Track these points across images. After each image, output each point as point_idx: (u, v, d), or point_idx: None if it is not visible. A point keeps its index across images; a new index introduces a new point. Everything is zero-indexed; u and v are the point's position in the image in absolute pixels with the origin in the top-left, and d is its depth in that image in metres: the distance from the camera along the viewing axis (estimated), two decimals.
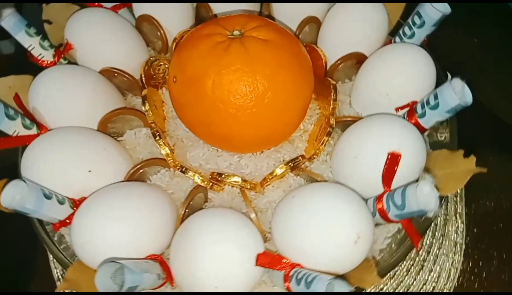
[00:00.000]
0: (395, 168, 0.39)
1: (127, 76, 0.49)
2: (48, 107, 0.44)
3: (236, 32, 0.42)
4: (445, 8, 0.46)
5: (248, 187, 0.43)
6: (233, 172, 0.45)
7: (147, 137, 0.48)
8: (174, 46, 0.52)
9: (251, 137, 0.42)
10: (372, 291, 0.50)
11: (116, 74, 0.49)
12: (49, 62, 0.48)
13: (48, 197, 0.37)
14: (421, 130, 0.43)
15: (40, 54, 0.48)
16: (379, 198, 0.39)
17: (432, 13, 0.46)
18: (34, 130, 0.44)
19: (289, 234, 0.38)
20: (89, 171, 0.41)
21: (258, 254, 0.36)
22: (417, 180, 0.38)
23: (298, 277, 0.35)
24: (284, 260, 0.37)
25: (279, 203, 0.40)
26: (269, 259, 0.36)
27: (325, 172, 0.45)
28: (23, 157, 0.41)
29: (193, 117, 0.43)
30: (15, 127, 0.42)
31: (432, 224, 0.56)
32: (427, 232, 0.55)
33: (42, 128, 0.44)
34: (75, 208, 0.40)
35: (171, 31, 0.53)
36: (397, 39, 0.50)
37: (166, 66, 0.52)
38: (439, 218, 0.56)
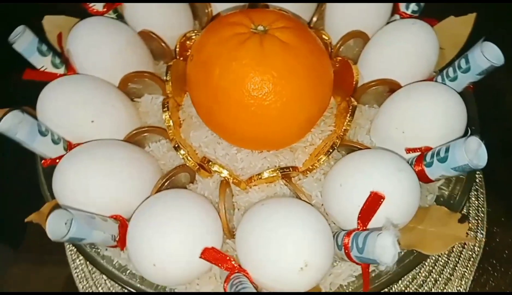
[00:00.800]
0: (375, 209, 0.37)
1: (163, 43, 0.51)
2: (81, 52, 0.47)
3: (260, 28, 0.41)
4: (498, 58, 0.41)
5: (231, 181, 0.43)
6: (226, 164, 0.45)
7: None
8: None
9: (247, 134, 0.42)
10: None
11: (153, 39, 0.51)
12: (97, 11, 0.51)
13: (43, 134, 0.40)
14: (425, 180, 0.40)
15: (92, 2, 0.51)
16: (348, 234, 0.37)
17: (481, 61, 0.41)
18: (61, 70, 0.47)
19: (248, 239, 0.37)
20: (92, 122, 0.43)
21: (205, 248, 0.36)
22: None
23: (233, 283, 0.35)
24: (232, 262, 0.37)
25: (251, 206, 0.40)
26: (215, 256, 0.36)
27: (315, 190, 0.43)
28: (41, 92, 0.44)
29: (199, 99, 0.43)
30: (44, 63, 0.45)
31: (432, 279, 0.53)
32: (423, 284, 0.52)
33: (70, 70, 0.47)
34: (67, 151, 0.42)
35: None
36: (439, 78, 0.46)
37: None
38: (442, 275, 0.53)
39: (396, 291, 0.51)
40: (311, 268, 0.35)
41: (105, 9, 0.51)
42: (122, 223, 0.39)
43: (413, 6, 0.51)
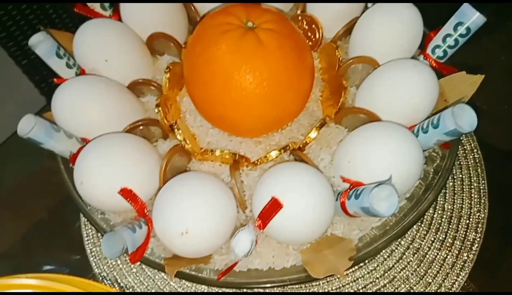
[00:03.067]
0: (272, 213, 0.39)
1: (198, 16, 0.57)
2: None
3: (249, 24, 0.45)
4: (469, 125, 0.40)
5: (186, 147, 0.48)
6: (199, 134, 0.50)
7: None
8: None
9: (210, 111, 0.48)
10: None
11: (191, 10, 0.57)
12: None
13: (59, 56, 0.49)
14: (345, 212, 0.42)
15: None
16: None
17: (448, 121, 0.40)
18: (108, 13, 0.56)
19: (161, 195, 0.42)
20: (106, 61, 0.51)
21: (124, 187, 0.42)
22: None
23: (130, 222, 0.41)
24: (145, 209, 0.43)
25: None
26: (130, 196, 0.42)
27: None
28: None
29: (186, 69, 0.49)
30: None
31: None
32: None
33: (115, 14, 0.56)
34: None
35: None
36: (416, 128, 0.45)
37: None
38: None
39: None
40: (192, 236, 0.39)
41: None
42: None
43: (438, 52, 0.50)
